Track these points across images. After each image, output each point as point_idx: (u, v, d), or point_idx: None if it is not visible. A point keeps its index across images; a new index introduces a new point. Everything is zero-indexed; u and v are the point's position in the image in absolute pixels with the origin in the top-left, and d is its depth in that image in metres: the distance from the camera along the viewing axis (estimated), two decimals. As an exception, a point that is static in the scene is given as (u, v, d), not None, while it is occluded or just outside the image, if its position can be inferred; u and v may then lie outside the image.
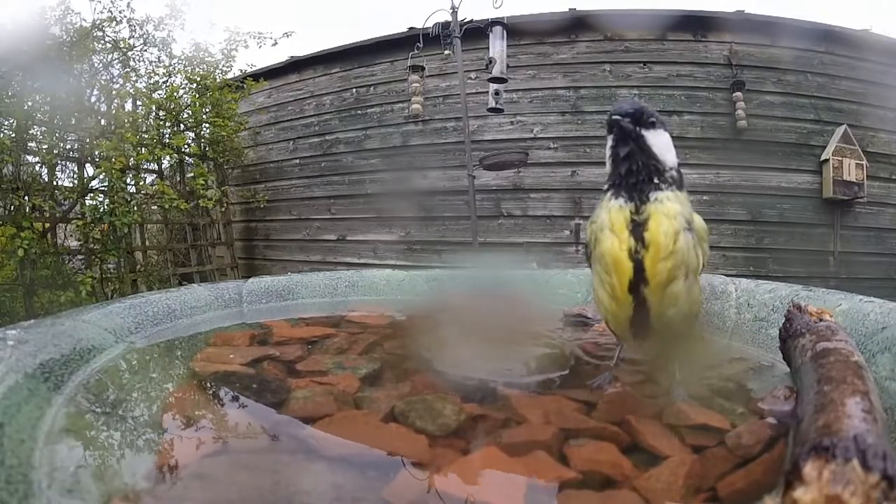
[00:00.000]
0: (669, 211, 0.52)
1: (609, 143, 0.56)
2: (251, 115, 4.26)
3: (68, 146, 3.05)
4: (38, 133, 2.93)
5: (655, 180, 0.53)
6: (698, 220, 0.55)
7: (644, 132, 0.53)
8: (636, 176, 0.53)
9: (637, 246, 0.52)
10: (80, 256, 3.12)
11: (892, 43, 3.24)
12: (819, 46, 3.24)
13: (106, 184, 3.01)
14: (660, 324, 0.54)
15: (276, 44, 3.84)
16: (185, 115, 3.65)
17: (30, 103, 2.82)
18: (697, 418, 0.49)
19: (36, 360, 0.49)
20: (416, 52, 2.76)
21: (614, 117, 0.53)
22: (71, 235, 3.37)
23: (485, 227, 3.29)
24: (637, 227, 0.52)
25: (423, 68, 2.92)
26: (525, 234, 3.34)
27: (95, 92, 3.20)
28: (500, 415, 0.51)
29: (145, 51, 3.45)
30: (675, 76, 3.24)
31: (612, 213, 0.54)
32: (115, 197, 2.89)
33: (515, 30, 2.80)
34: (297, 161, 4.16)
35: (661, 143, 0.54)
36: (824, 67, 3.26)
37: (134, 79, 3.37)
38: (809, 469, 0.28)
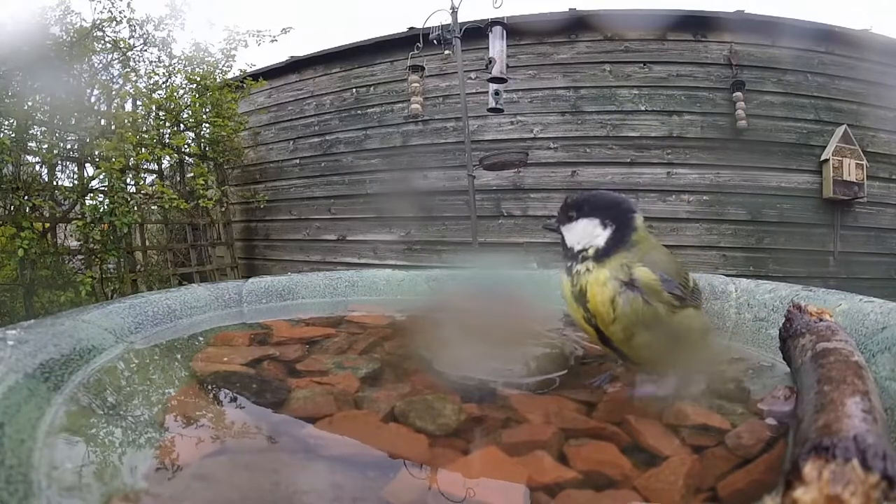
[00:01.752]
0: (598, 279, 0.55)
1: None
2: (251, 115, 4.26)
3: (68, 146, 3.05)
4: (38, 133, 2.93)
5: (586, 260, 0.58)
6: (643, 274, 0.54)
7: (572, 224, 0.60)
8: (570, 256, 0.59)
9: (588, 315, 0.56)
10: (80, 256, 3.12)
11: (892, 43, 3.24)
12: (819, 46, 3.24)
13: (106, 184, 3.01)
14: (639, 359, 0.57)
15: (275, 41, 3.84)
16: (185, 115, 3.65)
17: (30, 103, 2.82)
18: (697, 418, 0.49)
19: (36, 360, 0.49)
20: (415, 52, 2.76)
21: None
22: (71, 235, 3.37)
23: (485, 227, 3.29)
24: (581, 298, 0.56)
25: (422, 68, 2.92)
26: (525, 234, 3.34)
27: (95, 92, 3.21)
28: (500, 415, 0.51)
29: (145, 51, 3.46)
30: (675, 76, 3.24)
31: (564, 284, 0.60)
32: (115, 197, 2.89)
33: (515, 30, 2.81)
34: (297, 161, 4.16)
35: (585, 228, 0.59)
36: (824, 67, 3.26)
37: (134, 79, 3.37)
38: (809, 469, 0.28)
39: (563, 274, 0.60)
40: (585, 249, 0.57)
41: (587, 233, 0.58)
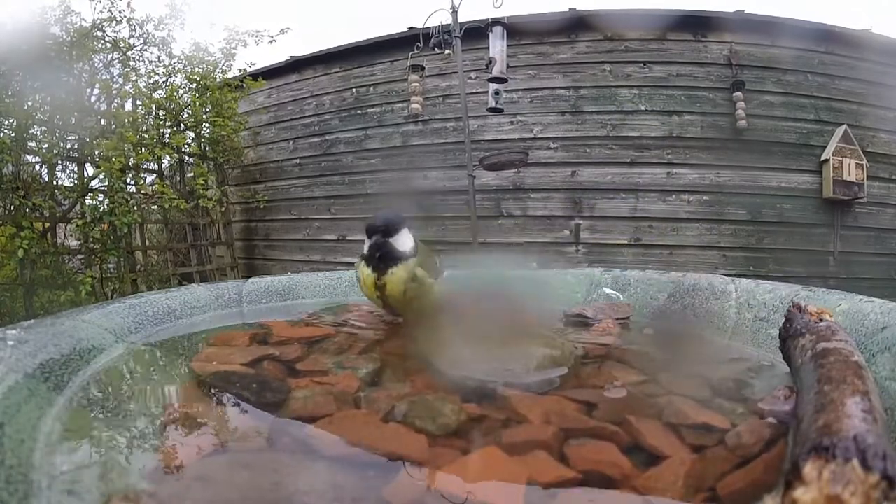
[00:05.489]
0: (398, 278, 0.81)
1: (368, 241, 0.81)
2: (251, 115, 4.26)
3: (68, 146, 3.05)
4: (38, 133, 2.93)
5: (393, 265, 0.81)
6: (419, 272, 0.82)
7: (391, 239, 0.80)
8: (383, 262, 0.81)
9: (383, 294, 0.83)
10: (80, 256, 3.12)
11: (892, 43, 3.24)
12: (819, 46, 3.24)
13: (106, 183, 3.01)
14: (407, 314, 0.87)
15: (273, 41, 3.84)
16: (185, 115, 3.65)
17: (30, 103, 2.82)
18: (697, 418, 0.49)
19: (36, 360, 0.49)
20: (415, 51, 2.76)
21: (372, 238, 0.80)
22: (71, 235, 3.37)
23: (485, 227, 3.29)
24: (380, 286, 0.82)
25: (422, 68, 2.92)
26: (525, 234, 3.34)
27: (95, 92, 3.21)
28: (500, 415, 0.51)
29: (145, 50, 3.46)
30: (675, 76, 3.24)
31: (365, 275, 0.83)
32: (115, 197, 2.89)
33: (515, 30, 2.81)
34: (297, 161, 4.16)
35: (401, 241, 0.81)
36: (824, 67, 3.26)
37: (134, 78, 3.37)
38: (809, 469, 0.28)
39: (366, 267, 0.83)
40: (402, 254, 0.81)
41: (407, 240, 0.83)
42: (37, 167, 3.01)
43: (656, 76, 3.25)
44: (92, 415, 0.49)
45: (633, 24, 3.24)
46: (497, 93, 2.57)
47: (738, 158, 3.17)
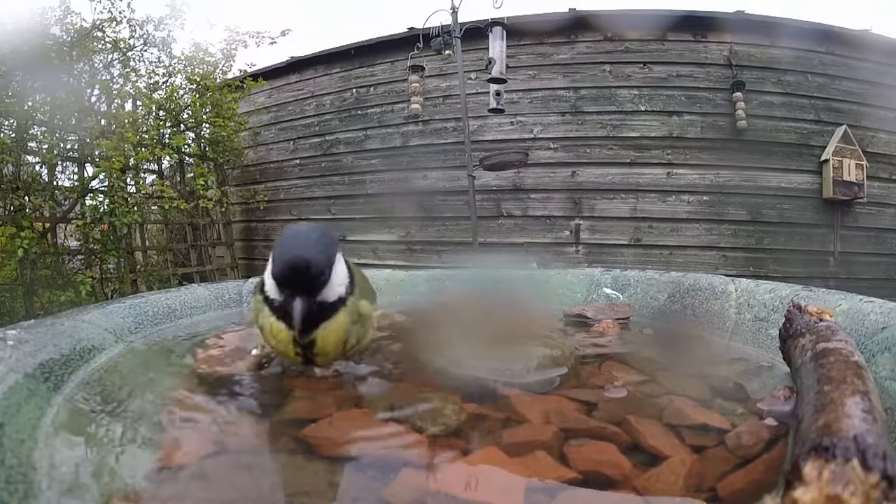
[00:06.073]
0: (336, 329, 0.55)
1: (279, 292, 0.53)
2: (251, 115, 4.26)
3: (68, 146, 3.05)
4: (38, 133, 2.93)
5: (324, 320, 0.54)
6: (364, 307, 0.59)
7: (320, 295, 0.52)
8: (310, 325, 0.53)
9: (305, 349, 0.55)
10: (80, 256, 3.12)
11: (892, 43, 3.24)
12: (819, 46, 3.24)
13: (106, 184, 3.01)
14: (334, 357, 0.59)
15: (274, 43, 3.84)
16: (186, 115, 3.65)
17: (30, 103, 2.82)
18: (697, 418, 0.49)
19: (36, 360, 0.49)
20: (416, 52, 2.76)
21: (293, 299, 0.50)
22: (71, 235, 3.37)
23: (485, 227, 3.29)
24: (306, 344, 0.55)
25: (422, 68, 2.92)
26: (525, 234, 3.34)
27: (95, 92, 3.21)
28: (500, 415, 0.51)
29: (145, 51, 3.46)
30: (675, 76, 3.24)
31: (275, 329, 0.55)
32: (115, 197, 2.89)
33: (515, 30, 2.81)
34: (297, 161, 4.16)
35: (334, 284, 0.53)
36: (824, 67, 3.26)
37: (134, 79, 3.37)
38: (809, 469, 0.28)
39: (278, 322, 0.54)
40: (336, 299, 0.54)
41: (341, 280, 0.54)
42: (37, 167, 3.01)
43: (656, 76, 3.25)
44: (92, 415, 0.49)
45: (633, 24, 3.24)
46: (498, 93, 2.57)
47: (738, 159, 3.17)
